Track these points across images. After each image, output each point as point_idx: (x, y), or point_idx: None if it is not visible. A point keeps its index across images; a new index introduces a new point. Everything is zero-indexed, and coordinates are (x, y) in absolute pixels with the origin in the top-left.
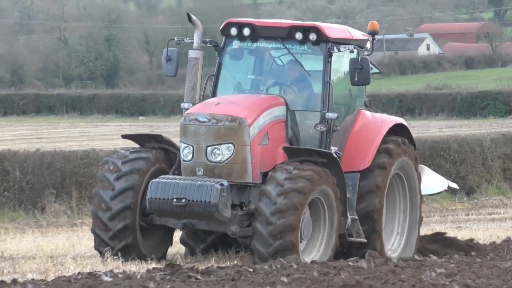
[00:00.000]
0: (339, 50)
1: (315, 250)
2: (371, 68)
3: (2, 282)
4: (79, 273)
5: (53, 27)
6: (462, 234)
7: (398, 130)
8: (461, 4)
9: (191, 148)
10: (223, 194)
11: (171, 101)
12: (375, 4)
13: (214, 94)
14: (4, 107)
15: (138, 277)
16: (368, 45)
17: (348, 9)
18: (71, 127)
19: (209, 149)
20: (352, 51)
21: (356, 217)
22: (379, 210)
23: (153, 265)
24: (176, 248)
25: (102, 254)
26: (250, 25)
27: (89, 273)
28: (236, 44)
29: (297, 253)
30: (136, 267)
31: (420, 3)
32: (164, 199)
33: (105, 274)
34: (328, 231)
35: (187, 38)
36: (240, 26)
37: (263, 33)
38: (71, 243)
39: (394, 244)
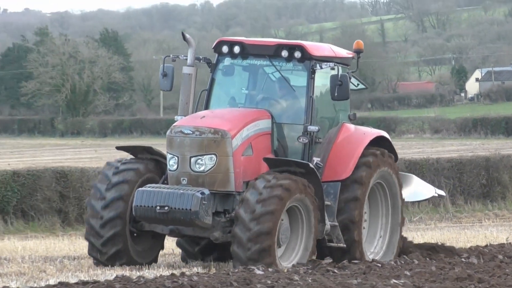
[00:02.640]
0: (321, 67)
1: (293, 255)
2: (358, 84)
3: (173, 275)
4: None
5: None
6: None
7: (381, 143)
8: None
9: (176, 158)
10: (203, 202)
11: None
12: (485, 41)
13: (206, 108)
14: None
15: (285, 271)
16: (353, 62)
17: (462, 46)
18: None
19: (192, 159)
20: (333, 68)
21: (336, 223)
22: (358, 222)
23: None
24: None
25: (95, 259)
26: (240, 43)
27: (245, 268)
28: (227, 61)
29: (274, 257)
30: (284, 263)
31: None
32: (148, 206)
33: (258, 268)
34: (306, 237)
35: (182, 55)
36: (231, 44)
37: (252, 51)
38: None
39: (377, 247)
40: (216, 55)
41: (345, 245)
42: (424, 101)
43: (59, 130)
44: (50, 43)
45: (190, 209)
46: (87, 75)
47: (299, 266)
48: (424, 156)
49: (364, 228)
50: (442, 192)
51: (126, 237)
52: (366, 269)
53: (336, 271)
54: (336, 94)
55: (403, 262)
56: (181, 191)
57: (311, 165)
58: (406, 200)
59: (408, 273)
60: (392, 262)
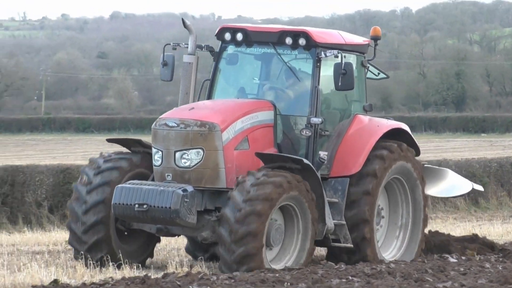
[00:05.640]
0: (325, 55)
1: (288, 256)
2: (379, 73)
3: (371, 262)
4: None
5: (414, 65)
6: None
7: (400, 135)
8: None
9: (161, 153)
10: (185, 199)
11: (507, 121)
12: None
13: (209, 98)
14: None
15: (477, 259)
16: (369, 50)
17: None
18: (428, 142)
19: (177, 154)
20: (336, 56)
21: (344, 222)
22: (369, 218)
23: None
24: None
25: (82, 262)
26: (243, 30)
27: (440, 256)
28: (231, 49)
29: (261, 260)
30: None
31: None
32: (127, 204)
33: (451, 256)
34: (302, 237)
35: (183, 43)
36: (234, 31)
37: (256, 38)
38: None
39: (396, 245)
40: (220, 43)
41: (352, 245)
42: None
43: None
44: None
45: (170, 207)
46: None
47: (490, 255)
48: None
49: (381, 226)
50: (480, 187)
51: (111, 242)
52: None
53: None
54: (340, 83)
55: None
56: (161, 188)
57: (305, 160)
58: (441, 195)
59: None
60: None
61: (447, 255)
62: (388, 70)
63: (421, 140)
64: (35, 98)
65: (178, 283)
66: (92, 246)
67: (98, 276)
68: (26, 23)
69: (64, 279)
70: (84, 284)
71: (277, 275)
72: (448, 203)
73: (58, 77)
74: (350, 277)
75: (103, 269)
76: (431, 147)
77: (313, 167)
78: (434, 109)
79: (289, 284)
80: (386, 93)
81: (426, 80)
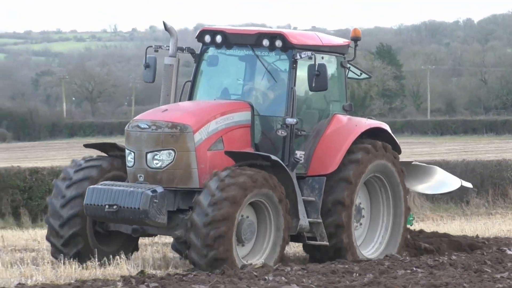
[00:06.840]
0: (300, 57)
1: (261, 251)
2: (361, 74)
3: (434, 254)
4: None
5: (476, 72)
6: None
7: (382, 135)
8: None
9: (133, 154)
10: (155, 200)
11: None
12: None
13: (190, 99)
14: (440, 129)
15: (510, 252)
16: (349, 51)
17: None
18: (489, 143)
19: (149, 155)
20: (310, 57)
21: (320, 220)
22: (346, 225)
23: None
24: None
25: (58, 259)
26: (222, 33)
27: (498, 248)
28: (211, 51)
29: (233, 261)
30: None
31: None
32: (97, 205)
33: (509, 249)
34: (274, 233)
35: (165, 46)
36: (214, 34)
37: (234, 40)
38: (486, 227)
39: (378, 241)
40: (201, 45)
41: (327, 243)
42: None
43: None
44: None
45: (139, 208)
46: (364, 83)
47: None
48: None
49: (361, 224)
50: (469, 184)
51: (87, 237)
52: None
53: None
54: (313, 84)
55: None
56: (131, 189)
57: (273, 157)
58: (429, 192)
59: None
60: None
61: (504, 248)
62: (452, 77)
63: (482, 142)
64: (126, 103)
65: (255, 273)
66: (69, 240)
67: (181, 267)
68: (117, 34)
69: (150, 270)
70: (168, 274)
71: (346, 266)
72: (507, 200)
73: (146, 85)
74: (414, 268)
75: (186, 261)
76: (492, 147)
77: (283, 163)
78: (495, 113)
79: (357, 274)
80: (450, 98)
81: (487, 86)
